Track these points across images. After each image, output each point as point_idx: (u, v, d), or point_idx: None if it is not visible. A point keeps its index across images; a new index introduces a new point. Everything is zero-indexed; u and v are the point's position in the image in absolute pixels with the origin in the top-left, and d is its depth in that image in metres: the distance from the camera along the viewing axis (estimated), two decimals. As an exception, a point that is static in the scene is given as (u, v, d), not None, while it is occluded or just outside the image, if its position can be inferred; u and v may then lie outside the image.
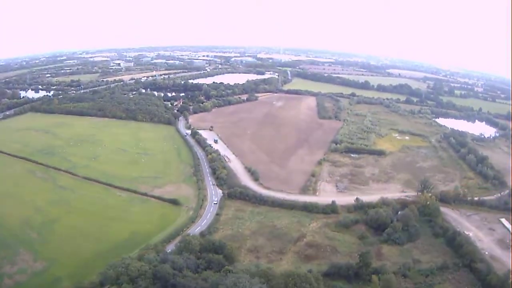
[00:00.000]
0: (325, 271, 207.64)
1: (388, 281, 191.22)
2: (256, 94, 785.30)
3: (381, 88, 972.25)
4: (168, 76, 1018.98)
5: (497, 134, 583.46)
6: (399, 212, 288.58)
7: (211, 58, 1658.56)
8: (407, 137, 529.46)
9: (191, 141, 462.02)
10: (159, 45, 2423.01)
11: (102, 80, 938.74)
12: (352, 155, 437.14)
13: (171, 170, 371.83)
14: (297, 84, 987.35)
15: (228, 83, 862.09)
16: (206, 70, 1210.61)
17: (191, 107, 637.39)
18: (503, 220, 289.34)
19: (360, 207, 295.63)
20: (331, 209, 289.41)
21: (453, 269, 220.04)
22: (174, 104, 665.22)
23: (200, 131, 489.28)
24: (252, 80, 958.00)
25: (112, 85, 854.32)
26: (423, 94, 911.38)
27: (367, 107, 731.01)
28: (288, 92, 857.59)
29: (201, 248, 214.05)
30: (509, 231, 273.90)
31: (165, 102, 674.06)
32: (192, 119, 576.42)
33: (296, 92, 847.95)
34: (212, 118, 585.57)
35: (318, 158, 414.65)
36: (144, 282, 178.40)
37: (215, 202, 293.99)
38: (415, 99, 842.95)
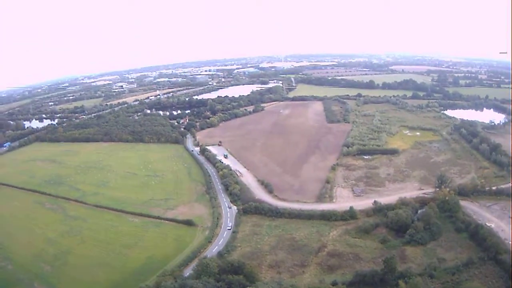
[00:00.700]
0: (350, 281, 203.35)
1: (415, 285, 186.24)
2: (262, 104, 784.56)
3: (386, 86, 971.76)
4: (172, 94, 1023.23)
5: (507, 120, 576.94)
6: (418, 211, 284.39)
7: (213, 73, 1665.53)
8: (418, 133, 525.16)
9: (201, 158, 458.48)
10: (160, 64, 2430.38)
11: (106, 104, 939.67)
12: (365, 156, 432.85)
13: (182, 190, 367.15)
14: (302, 90, 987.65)
15: (233, 96, 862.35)
16: (210, 84, 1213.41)
17: (197, 124, 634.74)
18: None
19: (379, 210, 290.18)
20: (349, 215, 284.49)
21: (479, 264, 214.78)
22: (181, 122, 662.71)
23: (208, 147, 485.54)
24: (257, 90, 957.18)
25: (116, 108, 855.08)
26: (428, 88, 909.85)
27: (375, 106, 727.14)
28: (294, 99, 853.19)
29: (220, 270, 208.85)
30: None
31: (171, 121, 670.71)
32: (199, 135, 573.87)
33: (302, 99, 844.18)
34: (220, 133, 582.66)
35: (331, 163, 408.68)
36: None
37: (229, 228, 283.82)
38: (421, 94, 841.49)
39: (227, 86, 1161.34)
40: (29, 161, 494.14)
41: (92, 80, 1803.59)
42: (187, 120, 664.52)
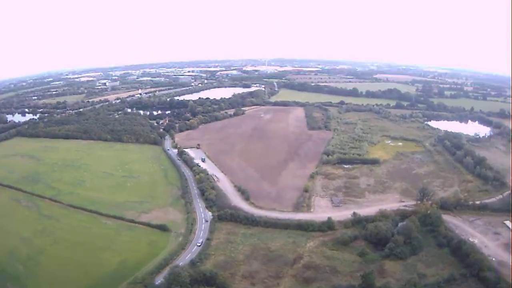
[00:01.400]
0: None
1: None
2: (243, 108, 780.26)
3: (370, 94, 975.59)
4: (154, 94, 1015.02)
5: (492, 133, 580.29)
6: (399, 224, 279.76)
7: (196, 74, 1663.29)
8: (400, 143, 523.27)
9: (178, 161, 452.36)
10: (144, 62, 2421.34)
11: (88, 101, 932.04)
12: (345, 166, 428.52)
13: (158, 193, 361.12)
14: (284, 95, 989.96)
15: (215, 98, 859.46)
16: (192, 86, 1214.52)
17: (177, 125, 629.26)
18: (507, 223, 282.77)
19: (358, 221, 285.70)
20: (327, 226, 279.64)
21: (460, 281, 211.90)
22: (160, 123, 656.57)
23: (187, 150, 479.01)
24: (239, 93, 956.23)
25: (98, 106, 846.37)
26: (413, 98, 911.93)
27: (357, 114, 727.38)
28: (276, 104, 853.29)
29: (192, 280, 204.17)
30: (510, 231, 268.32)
31: (151, 121, 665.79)
32: (178, 137, 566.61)
33: (284, 104, 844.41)
34: (199, 136, 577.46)
35: (310, 171, 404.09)
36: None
37: (198, 244, 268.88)
38: (405, 103, 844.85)
39: (209, 88, 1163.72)
40: (10, 156, 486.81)
41: (76, 76, 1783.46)
42: (167, 121, 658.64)
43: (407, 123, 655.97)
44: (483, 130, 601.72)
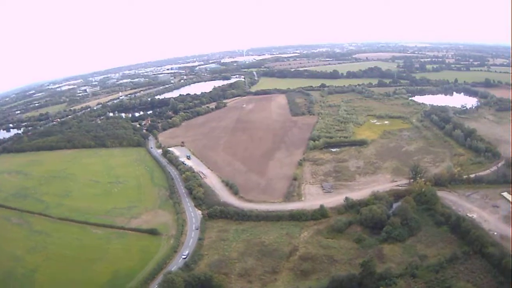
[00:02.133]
0: (326, 287, 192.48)
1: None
2: (225, 100, 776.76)
3: (350, 75, 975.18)
4: (134, 95, 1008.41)
5: (479, 103, 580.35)
6: (393, 205, 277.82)
7: (175, 71, 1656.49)
8: (386, 122, 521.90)
9: (163, 160, 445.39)
10: (123, 65, 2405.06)
11: (70, 110, 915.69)
12: (332, 149, 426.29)
13: (145, 196, 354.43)
14: (264, 83, 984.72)
15: (195, 94, 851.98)
16: (172, 83, 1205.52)
17: (159, 124, 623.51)
18: (505, 194, 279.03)
19: (351, 206, 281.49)
20: (320, 214, 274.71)
21: (463, 259, 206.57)
22: (143, 124, 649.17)
23: (171, 149, 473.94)
24: (219, 86, 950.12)
25: (80, 113, 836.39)
26: (395, 74, 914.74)
27: (340, 96, 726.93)
28: (257, 93, 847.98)
29: (186, 285, 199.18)
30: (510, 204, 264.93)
31: (133, 123, 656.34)
32: (162, 136, 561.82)
33: (265, 92, 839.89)
34: (183, 133, 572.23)
35: (297, 158, 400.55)
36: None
37: (184, 256, 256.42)
38: (387, 81, 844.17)
39: (189, 84, 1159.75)
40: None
41: (57, 85, 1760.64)
42: (149, 122, 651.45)
43: (392, 101, 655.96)
44: (470, 101, 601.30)
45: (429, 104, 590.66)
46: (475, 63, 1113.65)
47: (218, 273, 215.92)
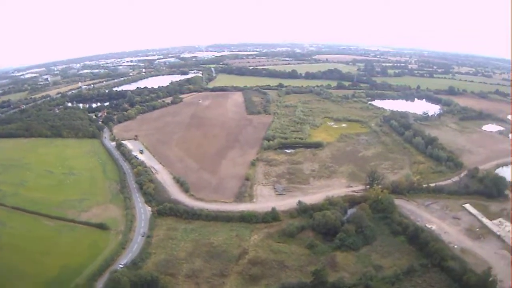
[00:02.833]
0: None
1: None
2: (181, 95, 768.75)
3: (309, 76, 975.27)
4: (93, 86, 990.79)
5: (441, 111, 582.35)
6: (348, 212, 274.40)
7: (135, 63, 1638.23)
8: (344, 125, 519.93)
9: (116, 153, 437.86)
10: (85, 55, 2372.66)
11: (31, 98, 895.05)
12: (287, 150, 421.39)
13: (97, 189, 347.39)
14: (222, 80, 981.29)
15: (152, 87, 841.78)
16: (130, 75, 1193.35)
17: (115, 117, 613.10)
18: (467, 206, 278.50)
19: (304, 210, 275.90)
20: (271, 217, 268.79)
21: (421, 272, 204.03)
22: (99, 115, 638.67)
23: (124, 142, 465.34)
24: (177, 81, 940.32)
25: (39, 102, 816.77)
26: (354, 77, 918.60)
27: (297, 97, 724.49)
28: (214, 89, 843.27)
29: (132, 284, 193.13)
30: (477, 218, 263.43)
31: (89, 114, 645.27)
32: (116, 129, 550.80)
33: (222, 89, 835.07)
34: (137, 126, 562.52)
35: (251, 158, 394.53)
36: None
37: (121, 265, 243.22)
38: (347, 83, 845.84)
39: (148, 77, 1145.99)
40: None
41: (21, 73, 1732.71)
42: (105, 113, 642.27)
43: (350, 104, 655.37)
44: (432, 109, 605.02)
45: (389, 109, 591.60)
46: (439, 70, 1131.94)
47: (165, 273, 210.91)
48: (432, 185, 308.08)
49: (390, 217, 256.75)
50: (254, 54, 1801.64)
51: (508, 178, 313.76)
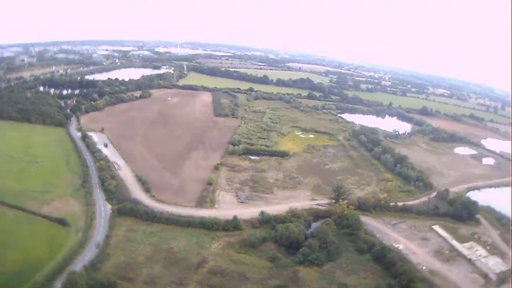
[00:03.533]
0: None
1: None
2: (151, 90, 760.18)
3: (280, 83, 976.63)
4: (66, 72, 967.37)
5: (412, 130, 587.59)
6: (312, 225, 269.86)
7: (109, 53, 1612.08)
8: (311, 136, 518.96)
9: (81, 145, 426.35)
10: (64, 39, 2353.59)
11: (6, 78, 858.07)
12: (252, 157, 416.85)
13: (59, 181, 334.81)
14: (193, 78, 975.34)
15: (123, 79, 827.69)
16: (104, 65, 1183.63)
17: (83, 106, 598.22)
18: (436, 227, 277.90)
19: (266, 221, 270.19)
20: (233, 226, 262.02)
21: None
22: (68, 103, 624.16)
23: (90, 134, 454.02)
24: (147, 75, 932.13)
25: (13, 83, 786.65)
26: (326, 89, 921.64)
27: (266, 103, 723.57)
28: (183, 87, 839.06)
29: None
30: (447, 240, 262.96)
31: (59, 101, 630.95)
32: (84, 119, 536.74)
33: (192, 88, 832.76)
34: (104, 118, 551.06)
35: (214, 162, 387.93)
36: None
37: (96, 246, 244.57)
38: (318, 94, 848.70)
39: (120, 68, 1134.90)
40: None
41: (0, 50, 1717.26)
42: (74, 102, 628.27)
43: (319, 115, 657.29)
44: (403, 127, 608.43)
45: (359, 124, 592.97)
46: (413, 89, 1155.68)
47: (123, 278, 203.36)
48: (400, 204, 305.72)
49: (356, 234, 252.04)
50: (228, 55, 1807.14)
51: (481, 203, 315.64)
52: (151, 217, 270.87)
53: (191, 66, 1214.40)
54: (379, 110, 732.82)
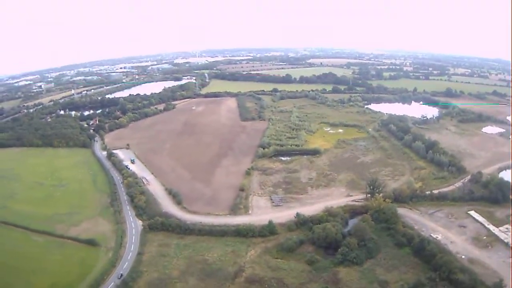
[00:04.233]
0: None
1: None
2: (174, 102, 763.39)
3: (304, 80, 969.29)
4: (86, 93, 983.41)
5: (440, 114, 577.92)
6: (349, 222, 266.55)
7: (128, 70, 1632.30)
8: (340, 130, 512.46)
9: (107, 164, 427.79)
10: (79, 62, 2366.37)
11: (24, 105, 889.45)
12: (283, 158, 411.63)
13: (87, 202, 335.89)
14: (215, 86, 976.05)
15: (145, 94, 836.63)
16: (123, 82, 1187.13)
17: (107, 125, 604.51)
18: (472, 213, 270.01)
19: (302, 223, 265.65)
20: (269, 231, 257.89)
21: (429, 286, 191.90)
22: (90, 124, 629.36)
23: (116, 151, 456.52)
24: (169, 87, 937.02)
25: (32, 110, 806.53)
26: (350, 81, 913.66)
27: (292, 101, 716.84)
28: (207, 95, 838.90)
29: None
30: (483, 225, 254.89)
31: (81, 122, 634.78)
32: (108, 138, 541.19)
33: (215, 95, 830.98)
34: (129, 134, 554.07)
35: (245, 167, 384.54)
36: None
37: (119, 278, 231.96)
38: (342, 87, 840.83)
39: (141, 84, 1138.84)
40: None
41: (16, 80, 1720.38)
42: (97, 121, 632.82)
43: (346, 108, 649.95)
44: (430, 111, 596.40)
45: (387, 113, 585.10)
46: (435, 72, 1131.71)
47: None
48: (435, 192, 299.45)
49: (394, 228, 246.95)
50: (248, 59, 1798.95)
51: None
52: (184, 229, 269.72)
53: (213, 74, 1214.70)
54: (405, 97, 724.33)
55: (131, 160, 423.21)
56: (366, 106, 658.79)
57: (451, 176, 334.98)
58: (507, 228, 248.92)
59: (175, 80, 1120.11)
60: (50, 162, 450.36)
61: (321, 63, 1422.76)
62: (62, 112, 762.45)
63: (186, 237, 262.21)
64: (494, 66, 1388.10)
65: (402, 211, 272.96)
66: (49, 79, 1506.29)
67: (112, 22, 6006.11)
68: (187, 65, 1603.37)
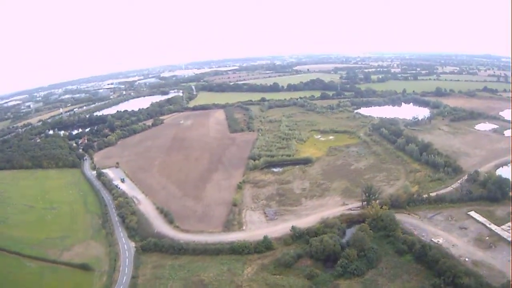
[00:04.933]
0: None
1: None
2: (162, 117, 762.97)
3: (292, 88, 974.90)
4: (74, 112, 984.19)
5: (431, 114, 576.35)
6: (346, 232, 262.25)
7: (115, 86, 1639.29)
8: (331, 137, 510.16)
9: (97, 183, 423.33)
10: (67, 80, 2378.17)
11: (13, 127, 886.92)
12: (274, 169, 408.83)
13: (78, 225, 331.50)
14: (203, 98, 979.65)
15: (133, 110, 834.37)
16: (111, 98, 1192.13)
17: (95, 143, 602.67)
18: (472, 213, 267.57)
19: (299, 236, 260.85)
20: (264, 246, 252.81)
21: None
22: (79, 143, 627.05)
23: (105, 171, 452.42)
24: (157, 102, 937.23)
25: (21, 131, 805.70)
26: (338, 86, 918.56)
27: (281, 110, 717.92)
28: (195, 108, 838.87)
29: None
30: (485, 225, 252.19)
31: (70, 142, 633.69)
32: (97, 156, 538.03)
33: (203, 108, 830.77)
34: (118, 152, 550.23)
35: (237, 180, 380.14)
36: None
37: None
38: (330, 93, 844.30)
39: (128, 99, 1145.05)
40: None
41: (4, 101, 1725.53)
42: (86, 140, 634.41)
43: (336, 114, 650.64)
44: (421, 112, 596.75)
45: (377, 117, 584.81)
46: (423, 72, 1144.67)
47: None
48: (432, 194, 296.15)
49: (393, 235, 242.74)
50: (234, 69, 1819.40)
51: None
52: (177, 249, 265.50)
53: (200, 86, 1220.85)
54: (394, 99, 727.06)
55: (121, 179, 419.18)
56: (355, 111, 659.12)
57: (447, 177, 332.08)
58: (509, 226, 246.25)
59: (162, 94, 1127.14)
60: (41, 184, 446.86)
61: (308, 69, 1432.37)
62: (51, 132, 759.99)
63: (180, 257, 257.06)
64: (482, 62, 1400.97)
65: (400, 217, 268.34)
66: (37, 98, 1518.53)
67: (98, 39, 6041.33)
68: (173, 78, 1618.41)
